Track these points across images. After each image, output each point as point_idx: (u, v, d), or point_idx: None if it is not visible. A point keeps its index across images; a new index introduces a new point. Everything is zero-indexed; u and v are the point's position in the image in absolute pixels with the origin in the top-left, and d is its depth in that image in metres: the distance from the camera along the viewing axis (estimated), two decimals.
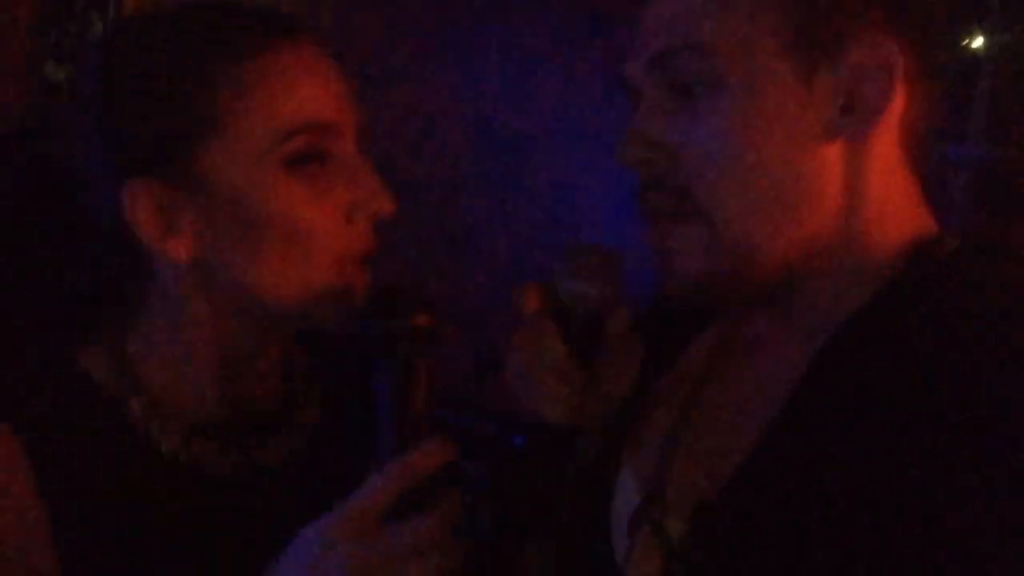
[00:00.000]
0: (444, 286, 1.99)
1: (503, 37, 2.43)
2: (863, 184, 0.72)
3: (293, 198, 0.74)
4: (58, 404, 0.76)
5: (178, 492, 0.79)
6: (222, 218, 0.74)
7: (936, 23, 0.74)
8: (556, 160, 2.36)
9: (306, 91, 0.75)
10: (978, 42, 1.84)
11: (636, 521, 0.80)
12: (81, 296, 0.81)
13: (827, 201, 0.72)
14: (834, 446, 0.66)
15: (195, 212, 0.74)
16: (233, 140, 0.73)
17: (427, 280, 0.86)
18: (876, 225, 0.73)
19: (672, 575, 0.75)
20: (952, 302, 0.68)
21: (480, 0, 2.43)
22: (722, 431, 0.79)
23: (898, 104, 0.72)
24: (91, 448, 0.76)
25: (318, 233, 0.75)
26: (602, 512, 0.87)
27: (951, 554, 0.59)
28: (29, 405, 0.75)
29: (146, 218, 0.74)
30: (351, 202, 0.77)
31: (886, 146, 0.73)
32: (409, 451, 0.69)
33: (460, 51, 2.25)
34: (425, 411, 0.72)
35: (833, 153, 0.71)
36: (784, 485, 0.68)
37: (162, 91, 0.74)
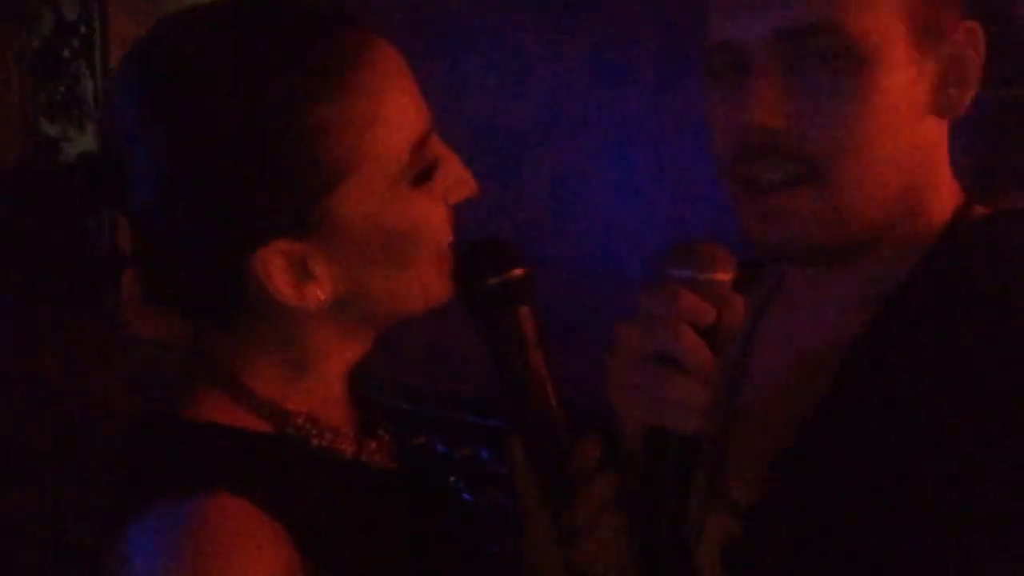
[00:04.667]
0: None
1: (488, 33, 2.42)
2: (939, 154, 0.80)
3: (422, 207, 0.75)
4: (254, 461, 0.74)
5: (374, 493, 0.80)
6: (360, 252, 0.73)
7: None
8: (552, 153, 2.35)
9: (407, 104, 0.75)
10: None
11: (706, 491, 0.80)
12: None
13: (918, 171, 0.78)
14: (906, 390, 0.71)
15: (330, 255, 0.73)
16: (360, 183, 0.71)
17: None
18: (937, 191, 0.80)
19: (744, 539, 0.77)
20: (997, 260, 0.76)
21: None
22: (780, 389, 0.82)
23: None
24: (302, 490, 0.74)
25: (440, 230, 0.77)
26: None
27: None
28: (244, 475, 0.72)
29: (281, 278, 0.72)
30: (445, 188, 0.77)
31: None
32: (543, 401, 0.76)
33: (445, 52, 2.24)
34: (544, 358, 0.78)
35: (925, 130, 0.78)
36: (857, 434, 0.73)
37: (280, 157, 0.69)
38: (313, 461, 0.77)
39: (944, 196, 0.80)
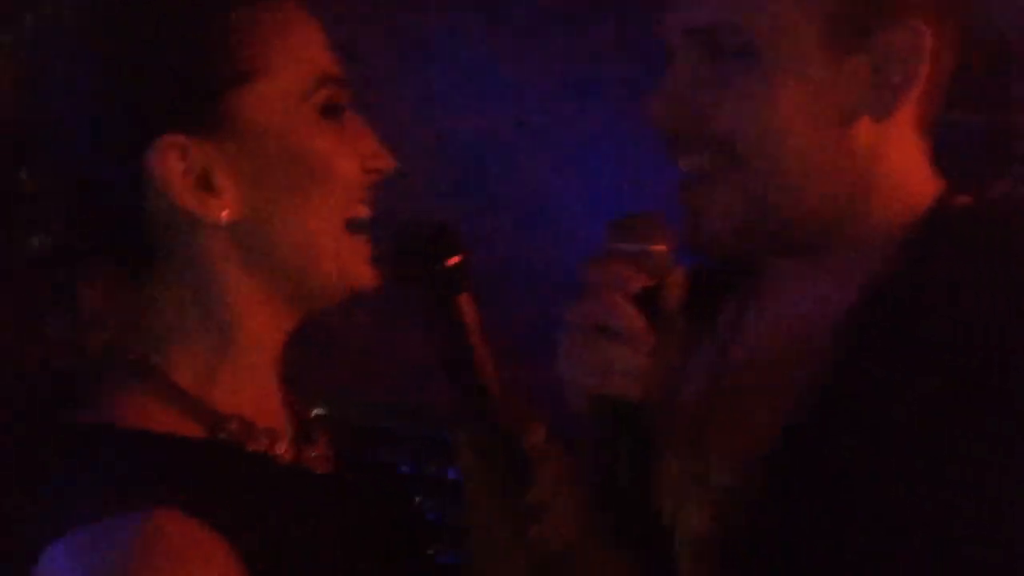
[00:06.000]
0: None
1: (456, 46, 2.42)
2: (886, 151, 0.79)
3: (330, 144, 0.74)
4: (189, 471, 0.70)
5: (314, 499, 0.77)
6: (264, 167, 0.72)
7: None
8: (518, 165, 2.36)
9: (322, 42, 0.76)
10: None
11: (681, 479, 0.82)
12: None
13: (852, 167, 0.78)
14: (889, 382, 0.73)
15: (232, 166, 0.72)
16: (270, 86, 0.72)
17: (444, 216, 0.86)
18: (898, 185, 0.80)
19: (723, 527, 0.78)
20: (972, 247, 0.77)
21: (432, 8, 2.42)
22: (760, 382, 0.83)
23: (921, 80, 0.77)
24: (240, 500, 0.71)
25: (350, 184, 0.75)
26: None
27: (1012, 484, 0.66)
28: (181, 488, 0.68)
29: (180, 178, 0.70)
30: (364, 155, 0.76)
31: (907, 116, 0.80)
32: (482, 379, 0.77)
33: (415, 64, 2.24)
34: (482, 344, 0.78)
35: (859, 126, 0.77)
36: (840, 428, 0.74)
37: (191, 40, 0.71)
38: (249, 468, 0.74)
39: (912, 189, 0.81)
